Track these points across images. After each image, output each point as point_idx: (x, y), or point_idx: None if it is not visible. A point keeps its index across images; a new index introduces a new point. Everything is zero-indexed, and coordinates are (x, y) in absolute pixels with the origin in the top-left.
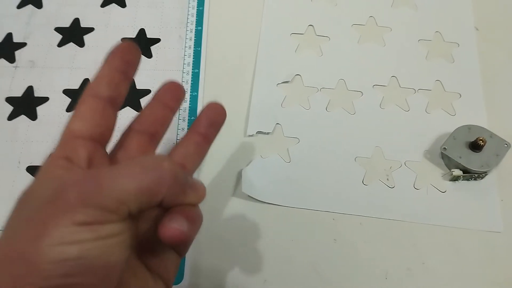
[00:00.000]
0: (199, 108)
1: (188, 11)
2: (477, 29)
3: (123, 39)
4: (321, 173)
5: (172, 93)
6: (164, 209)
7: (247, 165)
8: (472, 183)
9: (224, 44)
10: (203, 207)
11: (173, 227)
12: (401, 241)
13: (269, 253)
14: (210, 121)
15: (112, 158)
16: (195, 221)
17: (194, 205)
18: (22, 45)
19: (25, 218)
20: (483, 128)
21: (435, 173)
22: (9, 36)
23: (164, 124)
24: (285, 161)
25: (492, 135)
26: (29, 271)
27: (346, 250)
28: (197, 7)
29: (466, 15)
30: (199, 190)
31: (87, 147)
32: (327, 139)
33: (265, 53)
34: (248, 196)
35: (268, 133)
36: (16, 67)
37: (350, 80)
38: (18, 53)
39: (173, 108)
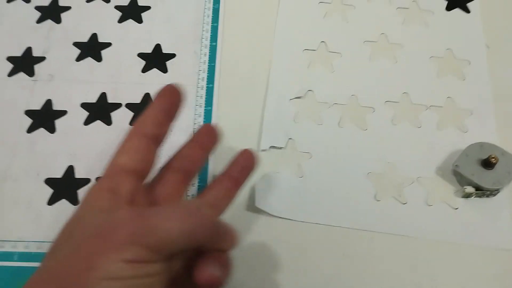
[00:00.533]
0: (213, 123)
1: (203, 27)
2: (488, 47)
3: (169, 84)
4: (333, 188)
5: (209, 135)
6: (197, 251)
7: (260, 179)
8: (484, 200)
9: (237, 59)
10: None
11: (209, 273)
12: (412, 257)
13: (281, 267)
14: (243, 166)
15: (149, 191)
16: (227, 267)
17: (227, 251)
18: (41, 59)
19: (73, 247)
20: (495, 145)
21: (447, 189)
22: (28, 50)
23: (199, 164)
24: (297, 176)
25: (504, 152)
26: None
27: (357, 265)
28: (211, 23)
29: (476, 32)
30: (233, 238)
31: (130, 181)
32: (339, 154)
33: (278, 68)
34: (261, 210)
35: (281, 148)
36: (35, 80)
37: (362, 96)
38: (37, 67)
39: (208, 149)
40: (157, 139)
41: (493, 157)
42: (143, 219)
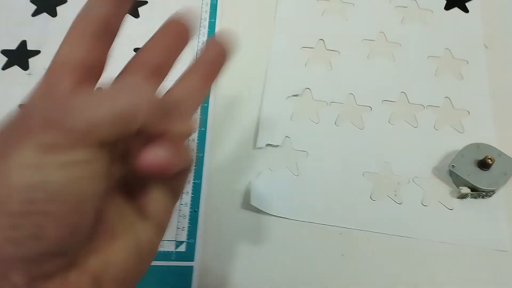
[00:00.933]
0: (209, 119)
1: (200, 22)
2: (486, 47)
3: None
4: (329, 187)
5: (178, 32)
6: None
7: (256, 177)
8: (479, 201)
9: (235, 56)
10: (212, 219)
11: (152, 155)
12: (408, 258)
13: (276, 266)
14: (211, 60)
15: None
16: (179, 150)
17: (181, 138)
18: (36, 52)
19: None
20: (491, 146)
21: (443, 190)
22: (23, 43)
23: (170, 58)
24: (293, 174)
25: (500, 153)
26: None
27: (354, 265)
28: (209, 19)
29: (475, 32)
30: (188, 121)
31: (74, 75)
32: (336, 153)
33: (275, 66)
34: (256, 208)
35: (277, 146)
36: (30, 74)
37: (359, 95)
38: (32, 61)
39: (184, 39)
40: (109, 25)
41: (489, 158)
42: (62, 102)
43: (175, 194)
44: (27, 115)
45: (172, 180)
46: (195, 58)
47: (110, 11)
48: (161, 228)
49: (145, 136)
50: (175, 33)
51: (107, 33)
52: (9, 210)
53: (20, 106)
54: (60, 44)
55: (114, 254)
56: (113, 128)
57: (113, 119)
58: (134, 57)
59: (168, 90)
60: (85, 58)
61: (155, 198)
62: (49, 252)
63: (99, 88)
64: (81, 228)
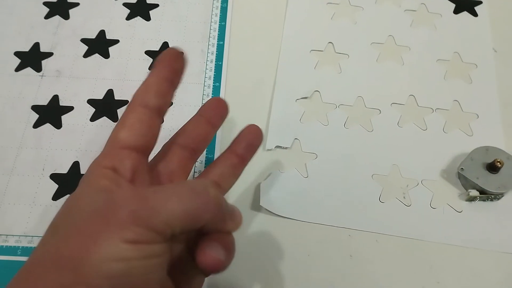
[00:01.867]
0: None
1: (211, 25)
2: (495, 51)
3: (170, 48)
4: (338, 189)
5: (216, 109)
6: (199, 232)
7: (265, 179)
8: (488, 204)
9: (245, 59)
10: None
11: (212, 256)
12: (416, 260)
13: (286, 267)
14: (248, 143)
15: (153, 169)
16: (231, 250)
17: (230, 233)
18: (49, 54)
19: (73, 225)
20: (500, 149)
21: (452, 192)
22: (36, 45)
23: (206, 140)
24: (302, 176)
25: (509, 157)
26: (76, 280)
27: (362, 266)
28: (219, 22)
29: (484, 36)
30: (237, 218)
31: (132, 158)
32: (345, 155)
33: (285, 68)
34: (266, 210)
35: (286, 148)
36: (43, 76)
37: (368, 97)
38: (44, 63)
39: (216, 125)
40: (160, 110)
41: (498, 161)
42: (146, 199)
43: (208, 275)
44: (113, 208)
45: None
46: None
47: (163, 102)
48: None
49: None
50: (215, 108)
51: (161, 113)
52: None
53: (94, 163)
54: (118, 127)
55: None
56: (185, 225)
57: (187, 218)
58: (179, 133)
59: (207, 171)
60: (142, 141)
61: (193, 277)
62: None
63: (174, 185)
64: None
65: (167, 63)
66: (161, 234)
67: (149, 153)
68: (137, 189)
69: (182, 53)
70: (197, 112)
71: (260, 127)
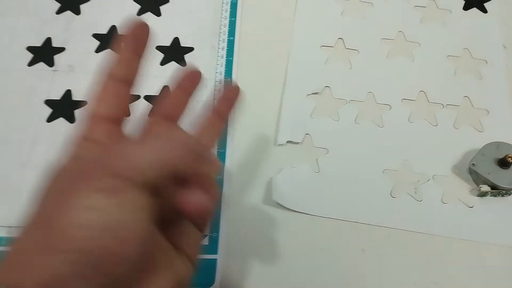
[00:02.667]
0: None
1: (221, 21)
2: (505, 47)
3: (133, 19)
4: (349, 184)
5: (190, 78)
6: (182, 184)
7: (277, 173)
8: (499, 199)
9: (255, 54)
10: (234, 213)
11: (192, 200)
12: (428, 255)
13: (298, 261)
14: (223, 97)
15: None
16: (213, 194)
17: (211, 178)
18: (61, 49)
19: (51, 192)
20: (511, 145)
21: (463, 188)
22: (48, 40)
23: (182, 107)
24: (314, 171)
25: None
26: (57, 236)
27: (374, 261)
28: (229, 17)
29: (494, 33)
30: (215, 162)
31: (102, 126)
32: (356, 150)
33: (296, 64)
34: (278, 204)
35: (297, 143)
36: (55, 71)
37: (378, 93)
38: (57, 58)
39: (190, 92)
40: (126, 80)
41: (510, 157)
42: (112, 149)
43: (203, 229)
44: (84, 166)
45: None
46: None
47: (128, 71)
48: (194, 261)
49: (181, 177)
50: (189, 78)
51: (131, 83)
52: (77, 247)
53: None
54: (90, 101)
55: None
56: (157, 171)
57: (155, 162)
58: (157, 104)
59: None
60: (113, 112)
61: (187, 234)
62: (106, 284)
63: (142, 136)
64: (131, 259)
65: (131, 35)
66: (131, 180)
67: (121, 121)
68: (106, 146)
69: (144, 22)
70: (173, 84)
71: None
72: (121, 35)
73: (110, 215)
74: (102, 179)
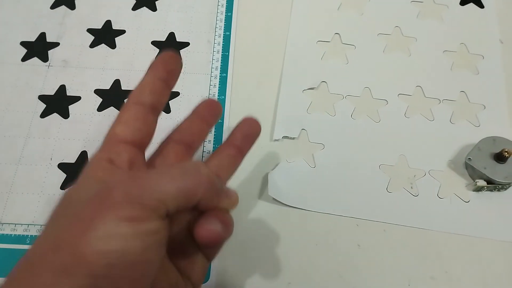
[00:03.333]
0: (226, 112)
1: (217, 16)
2: (502, 42)
3: (165, 49)
4: (346, 179)
5: (210, 109)
6: (198, 213)
7: (273, 169)
8: (495, 193)
9: (251, 49)
10: None
11: (209, 228)
12: (424, 249)
13: (293, 256)
14: (245, 134)
15: (150, 164)
16: (228, 225)
17: (227, 211)
18: (55, 44)
19: (71, 213)
20: (508, 140)
21: (459, 183)
22: (42, 35)
23: (201, 137)
24: (310, 166)
25: None
26: (75, 260)
27: (370, 256)
28: (225, 13)
29: (491, 28)
30: (232, 197)
31: (128, 151)
32: (352, 145)
33: (292, 59)
34: (274, 199)
35: (293, 138)
36: (49, 66)
37: (375, 88)
38: (51, 53)
39: (210, 123)
40: (155, 108)
41: (506, 151)
42: (139, 179)
43: (211, 256)
44: (107, 191)
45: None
46: (229, 133)
47: (157, 99)
48: (198, 285)
49: (199, 210)
50: (210, 108)
51: (157, 111)
52: (93, 273)
53: (94, 157)
54: (115, 123)
55: None
56: (178, 202)
57: (180, 195)
58: (175, 131)
59: (206, 163)
60: (138, 136)
61: (195, 260)
62: None
63: (167, 166)
64: (144, 285)
65: (162, 63)
66: (155, 210)
67: (145, 148)
68: (131, 172)
69: (178, 54)
70: (192, 111)
71: (265, 118)
72: (154, 63)
73: (130, 244)
74: (127, 208)
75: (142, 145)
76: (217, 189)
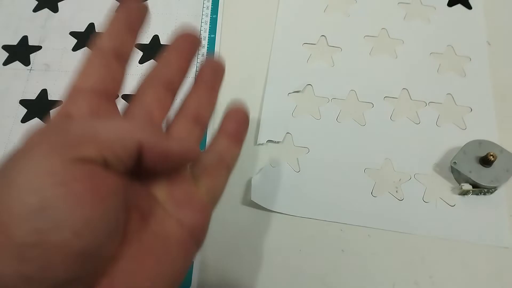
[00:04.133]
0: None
1: (202, 19)
2: (489, 44)
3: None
4: (330, 183)
5: (186, 41)
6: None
7: (257, 173)
8: (481, 197)
9: (236, 52)
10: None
11: (175, 142)
12: (409, 254)
13: (277, 262)
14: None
15: (127, 113)
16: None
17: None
18: (37, 48)
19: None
20: (493, 143)
21: (445, 186)
22: (24, 39)
23: (181, 74)
24: (294, 171)
25: (502, 150)
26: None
27: (354, 261)
28: (210, 15)
29: (478, 29)
30: (183, 141)
31: (88, 101)
32: (337, 149)
33: (277, 62)
34: (257, 204)
35: (278, 142)
36: (31, 70)
37: (361, 91)
38: (33, 56)
39: (189, 57)
40: (119, 53)
41: (492, 155)
42: (69, 128)
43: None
44: (31, 143)
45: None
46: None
47: (119, 43)
48: (196, 232)
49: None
50: (186, 44)
51: (123, 58)
52: (18, 242)
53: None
54: (76, 73)
55: None
56: (113, 149)
57: (114, 141)
58: (151, 72)
59: (183, 105)
60: (100, 85)
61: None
62: (61, 282)
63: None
64: (94, 252)
65: (125, 9)
66: (81, 160)
67: (114, 96)
68: (63, 122)
69: (142, 2)
70: (167, 48)
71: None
72: (116, 10)
73: (50, 198)
74: (49, 159)
75: (108, 93)
76: (158, 131)
